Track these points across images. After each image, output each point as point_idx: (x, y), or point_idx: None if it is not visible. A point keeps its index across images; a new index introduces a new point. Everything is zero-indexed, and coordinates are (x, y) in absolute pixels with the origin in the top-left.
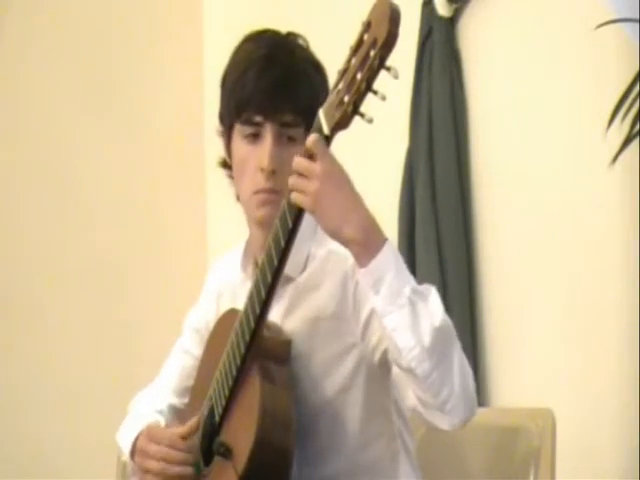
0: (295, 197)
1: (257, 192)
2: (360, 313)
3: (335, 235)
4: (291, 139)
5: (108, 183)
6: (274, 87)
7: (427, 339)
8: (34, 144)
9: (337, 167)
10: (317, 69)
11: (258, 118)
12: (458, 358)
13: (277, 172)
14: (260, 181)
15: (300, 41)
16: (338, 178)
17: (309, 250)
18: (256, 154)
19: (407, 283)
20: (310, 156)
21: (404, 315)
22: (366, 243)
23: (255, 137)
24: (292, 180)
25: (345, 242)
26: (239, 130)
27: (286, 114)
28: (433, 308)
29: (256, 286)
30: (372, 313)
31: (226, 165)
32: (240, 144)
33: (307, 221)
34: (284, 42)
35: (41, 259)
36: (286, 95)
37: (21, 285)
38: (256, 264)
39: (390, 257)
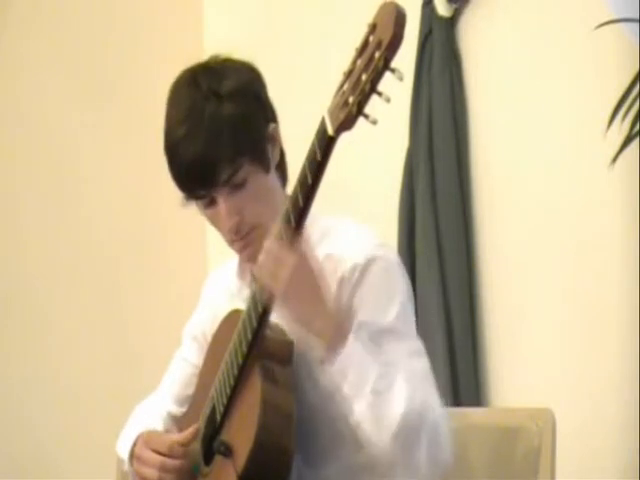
0: (266, 282)
1: (233, 242)
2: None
3: (305, 326)
4: (241, 183)
5: (108, 185)
6: (203, 165)
7: (389, 435)
8: (33, 144)
9: (307, 257)
10: (247, 95)
11: (202, 191)
12: (426, 438)
13: (241, 220)
14: (231, 235)
15: (222, 65)
16: (307, 269)
17: None
18: (218, 217)
19: (370, 374)
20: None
21: (367, 407)
22: (334, 338)
23: (210, 202)
24: (262, 258)
25: (315, 334)
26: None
27: (227, 172)
28: (396, 398)
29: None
30: (361, 323)
31: None
32: (201, 209)
33: None
34: (205, 93)
35: (40, 261)
36: (219, 162)
37: (21, 286)
38: (254, 276)
39: (353, 351)
